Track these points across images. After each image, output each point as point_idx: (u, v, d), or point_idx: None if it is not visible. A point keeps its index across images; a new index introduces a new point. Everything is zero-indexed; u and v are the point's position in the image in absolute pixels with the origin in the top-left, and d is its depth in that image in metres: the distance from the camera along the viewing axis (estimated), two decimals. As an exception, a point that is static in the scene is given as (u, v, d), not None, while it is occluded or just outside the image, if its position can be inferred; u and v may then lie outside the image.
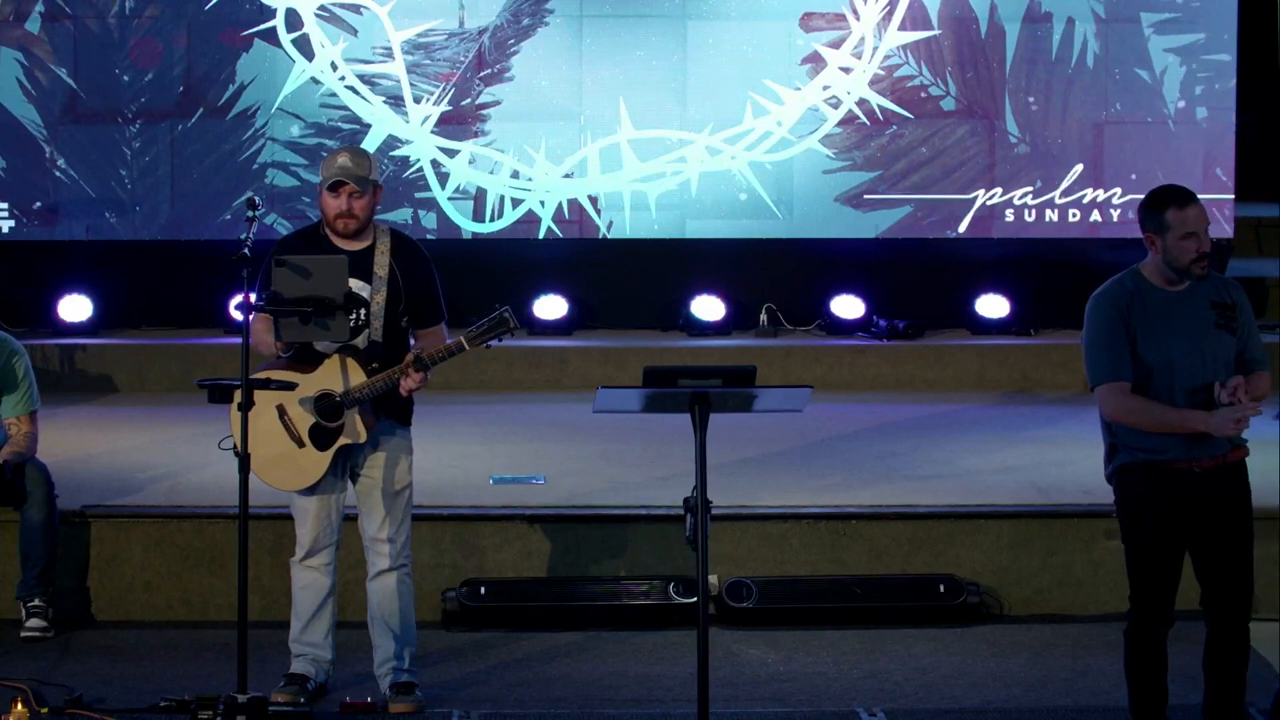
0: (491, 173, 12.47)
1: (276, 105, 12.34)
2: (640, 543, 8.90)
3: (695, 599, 7.34)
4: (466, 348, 7.39)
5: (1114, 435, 6.82)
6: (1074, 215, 12.56)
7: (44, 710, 7.37)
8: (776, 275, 12.77)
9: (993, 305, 12.68)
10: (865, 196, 12.55)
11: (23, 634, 8.41)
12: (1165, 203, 6.77)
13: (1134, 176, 12.46)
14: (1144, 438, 6.74)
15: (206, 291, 12.10)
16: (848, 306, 12.68)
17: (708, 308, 12.65)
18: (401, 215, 12.35)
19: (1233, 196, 12.45)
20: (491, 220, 12.51)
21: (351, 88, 12.35)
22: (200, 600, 8.77)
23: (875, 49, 12.44)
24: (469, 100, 12.42)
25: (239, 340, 7.25)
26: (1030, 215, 12.57)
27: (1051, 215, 12.58)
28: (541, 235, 12.54)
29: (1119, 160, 12.55)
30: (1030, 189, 12.57)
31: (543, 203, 12.50)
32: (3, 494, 8.43)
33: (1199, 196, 6.90)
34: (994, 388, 12.14)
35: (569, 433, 10.66)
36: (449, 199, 12.47)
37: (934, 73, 12.48)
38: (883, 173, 12.55)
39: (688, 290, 12.68)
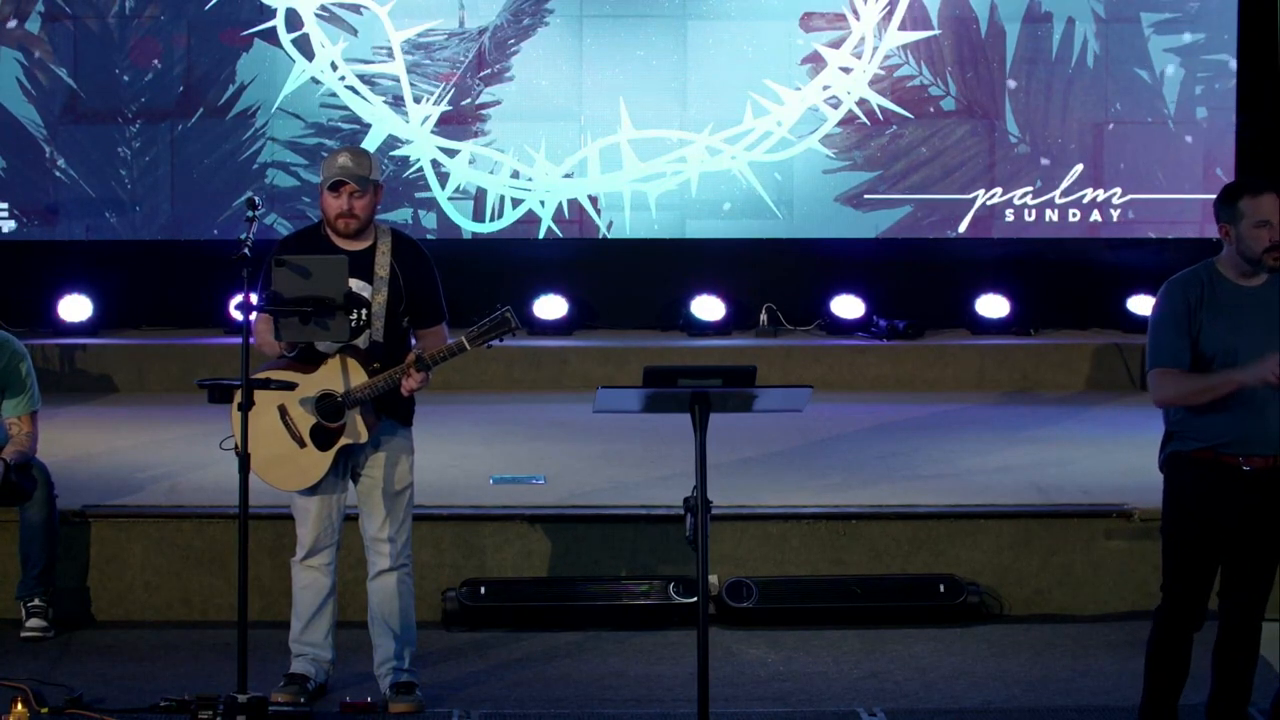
0: (491, 173, 12.47)
1: (276, 105, 12.34)
2: (640, 543, 8.90)
3: (695, 599, 7.33)
4: (468, 348, 7.39)
5: (1171, 422, 6.77)
6: (1074, 215, 12.57)
7: (44, 710, 7.36)
8: (776, 275, 12.78)
9: (993, 305, 12.68)
10: (865, 196, 12.56)
11: (23, 634, 8.40)
12: (1240, 191, 6.72)
13: (1134, 177, 12.48)
14: (1197, 426, 6.67)
15: (206, 291, 12.10)
16: (848, 306, 12.69)
17: (708, 308, 12.65)
18: (401, 215, 12.35)
19: (1233, 196, 12.43)
20: (491, 220, 12.51)
21: (351, 88, 12.35)
22: (200, 600, 8.77)
23: (875, 49, 12.45)
24: (469, 100, 12.42)
25: (239, 340, 7.24)
26: (1030, 215, 12.58)
27: (1051, 215, 12.58)
28: (541, 235, 12.54)
29: (1119, 160, 12.55)
30: (1030, 189, 12.57)
31: (543, 203, 12.50)
32: (4, 493, 8.43)
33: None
34: (994, 388, 12.14)
35: (569, 433, 10.65)
36: (449, 199, 12.47)
37: (934, 73, 12.49)
38: (883, 173, 12.55)
39: (688, 290, 12.69)
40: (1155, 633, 6.83)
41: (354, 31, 12.36)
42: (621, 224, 12.55)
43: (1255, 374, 6.57)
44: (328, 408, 7.42)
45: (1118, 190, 12.56)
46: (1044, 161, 12.54)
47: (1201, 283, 6.73)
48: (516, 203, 12.51)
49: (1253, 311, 6.68)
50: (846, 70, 12.47)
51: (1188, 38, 12.51)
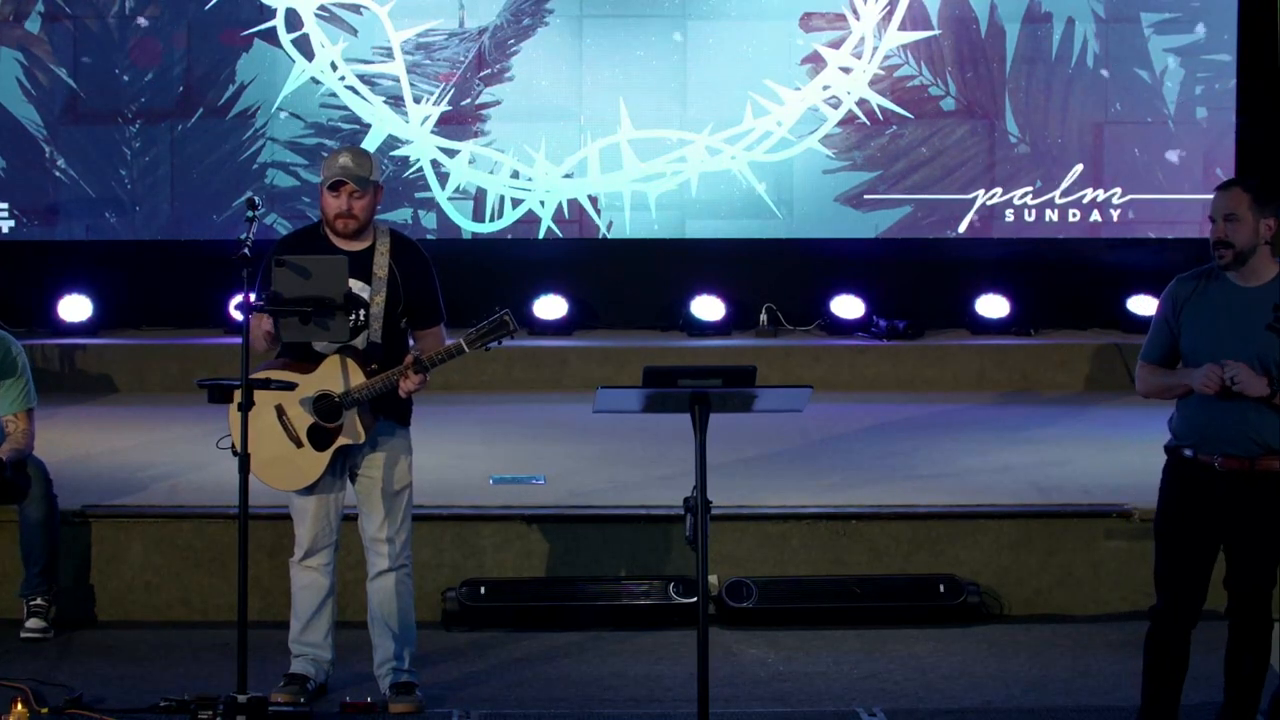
0: (491, 173, 12.47)
1: (276, 105, 12.34)
2: (640, 543, 8.90)
3: (695, 599, 7.33)
4: (466, 350, 7.38)
5: (1170, 418, 6.81)
6: (1074, 215, 12.56)
7: (44, 710, 7.36)
8: (776, 275, 12.78)
9: (993, 305, 12.68)
10: (865, 196, 12.56)
11: (22, 634, 8.40)
12: None
13: (1134, 177, 12.49)
14: (1178, 423, 6.72)
15: (206, 291, 12.10)
16: (848, 306, 12.69)
17: (708, 308, 12.65)
18: (401, 215, 12.35)
19: (1233, 196, 12.43)
20: (491, 220, 12.51)
21: (351, 88, 12.35)
22: (200, 600, 8.77)
23: (875, 49, 12.45)
24: (469, 100, 12.42)
25: (239, 340, 7.24)
26: (1030, 215, 12.58)
27: (1051, 215, 12.58)
28: (541, 235, 12.54)
29: (1119, 160, 12.55)
30: (1030, 189, 12.57)
31: (543, 203, 12.50)
32: (2, 491, 8.43)
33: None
34: (994, 388, 12.13)
35: (569, 433, 10.65)
36: (449, 199, 12.47)
37: (934, 73, 12.48)
38: (883, 173, 12.55)
39: (688, 290, 12.68)
40: (1151, 630, 6.84)
41: (354, 31, 12.35)
42: (621, 224, 12.55)
43: (1195, 380, 6.59)
44: (325, 408, 7.42)
45: (1118, 190, 12.56)
46: (1041, 169, 12.55)
47: (1196, 281, 6.73)
48: (516, 203, 12.51)
49: (1235, 314, 6.63)
50: (846, 70, 12.47)
51: (1188, 38, 12.51)
